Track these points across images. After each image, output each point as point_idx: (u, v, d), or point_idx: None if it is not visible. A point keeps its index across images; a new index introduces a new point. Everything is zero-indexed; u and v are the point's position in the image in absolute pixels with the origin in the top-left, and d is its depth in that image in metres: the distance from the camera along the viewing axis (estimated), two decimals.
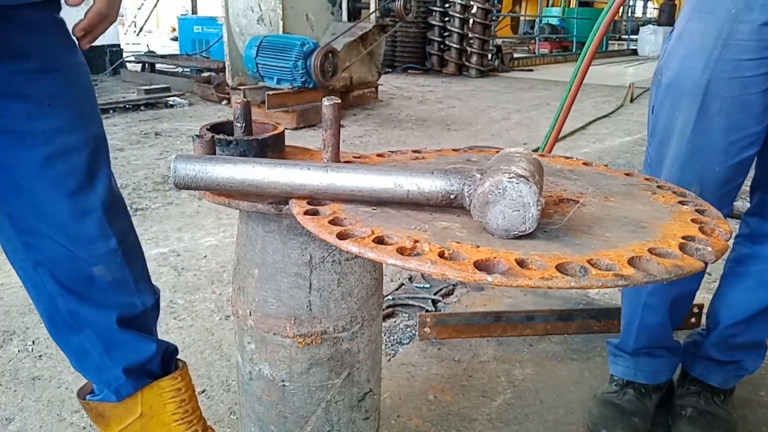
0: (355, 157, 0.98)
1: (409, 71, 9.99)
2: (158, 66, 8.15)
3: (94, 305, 1.08)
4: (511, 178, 0.64)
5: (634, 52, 15.23)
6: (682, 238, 0.67)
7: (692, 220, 0.73)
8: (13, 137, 0.94)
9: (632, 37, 16.93)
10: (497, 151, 0.79)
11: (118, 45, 8.16)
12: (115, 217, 1.05)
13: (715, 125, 1.25)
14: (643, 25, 17.94)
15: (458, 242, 0.64)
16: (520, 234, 0.66)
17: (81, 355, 1.15)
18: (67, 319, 1.10)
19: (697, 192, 1.21)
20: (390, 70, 9.81)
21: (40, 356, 1.82)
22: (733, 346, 1.51)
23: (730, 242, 0.82)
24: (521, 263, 0.60)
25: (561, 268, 0.58)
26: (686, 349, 1.63)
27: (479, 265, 0.59)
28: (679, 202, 0.81)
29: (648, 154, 1.43)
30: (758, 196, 1.42)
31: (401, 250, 0.62)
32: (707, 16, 1.24)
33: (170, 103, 6.11)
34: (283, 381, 0.98)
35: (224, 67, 6.24)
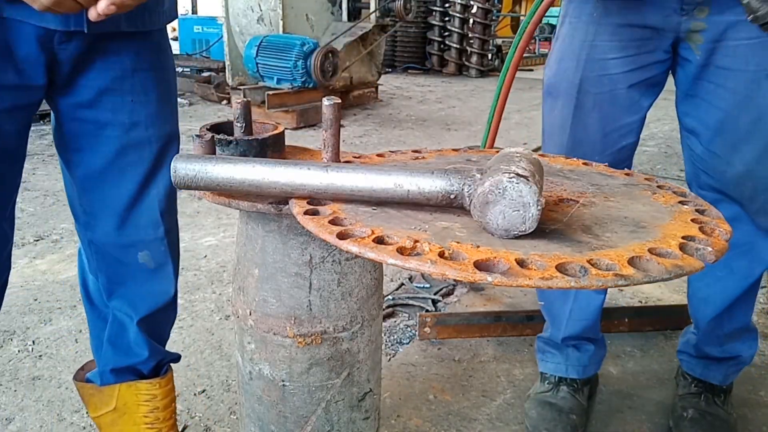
0: (355, 157, 0.98)
1: (409, 71, 9.99)
2: None
3: (129, 292, 1.17)
4: (511, 178, 0.64)
5: None
6: (682, 238, 0.67)
7: (692, 220, 0.73)
8: (98, 126, 1.05)
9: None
10: (497, 151, 0.79)
11: None
12: (167, 209, 1.15)
13: (591, 119, 1.35)
14: None
15: (458, 242, 0.64)
16: (520, 234, 0.66)
17: (94, 330, 1.27)
18: (100, 297, 1.21)
19: None
20: (390, 70, 9.82)
21: (40, 356, 1.82)
22: (724, 337, 1.52)
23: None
24: (521, 263, 0.60)
25: (561, 268, 0.58)
26: (683, 350, 1.63)
27: (479, 265, 0.59)
28: (680, 202, 0.81)
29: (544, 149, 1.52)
30: (694, 189, 1.46)
31: (401, 250, 0.62)
32: (574, 20, 1.35)
33: None
34: (283, 381, 0.97)
35: (224, 67, 6.25)
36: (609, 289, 1.93)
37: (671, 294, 2.30)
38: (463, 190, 0.70)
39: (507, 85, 2.00)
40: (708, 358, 1.56)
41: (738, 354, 1.54)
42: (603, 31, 1.30)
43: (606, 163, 1.22)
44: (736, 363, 1.55)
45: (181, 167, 0.77)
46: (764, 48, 1.20)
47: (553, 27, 16.24)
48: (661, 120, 5.63)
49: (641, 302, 2.24)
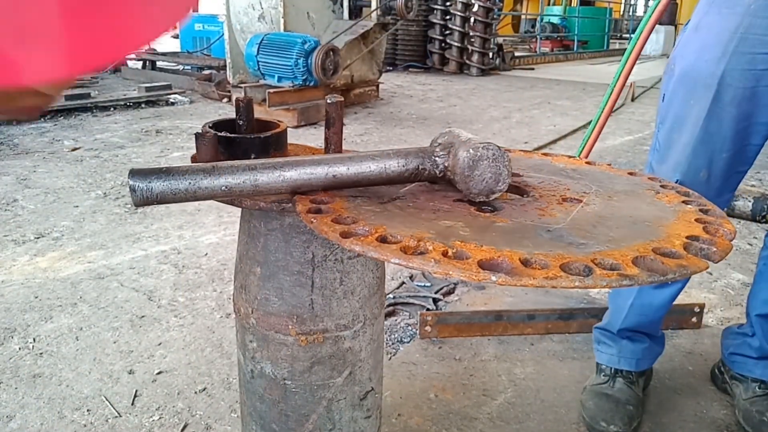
0: None
1: (410, 69, 9.98)
2: (159, 64, 8.15)
3: None
4: (485, 146, 0.76)
5: None
6: (686, 237, 0.67)
7: (696, 220, 0.73)
8: None
9: (633, 36, 16.89)
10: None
11: None
12: None
13: (727, 114, 1.30)
14: None
15: (462, 241, 0.64)
16: (498, 193, 0.77)
17: None
18: None
19: (704, 177, 1.31)
20: (391, 68, 9.80)
21: (41, 354, 1.82)
22: None
23: (735, 242, 0.82)
24: (525, 262, 0.59)
25: (565, 268, 0.58)
26: (737, 352, 1.64)
27: (483, 264, 0.59)
28: (683, 202, 0.81)
29: (656, 140, 1.47)
30: None
31: (404, 249, 0.62)
32: (726, 10, 1.29)
33: (171, 100, 6.10)
34: (284, 379, 0.97)
35: (225, 65, 6.24)
36: (611, 289, 1.93)
37: None
38: (435, 162, 0.81)
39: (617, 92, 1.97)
40: (766, 358, 1.57)
41: None
42: (758, 24, 1.24)
43: (729, 164, 1.29)
44: None
45: (140, 186, 0.73)
46: None
47: (554, 26, 16.22)
48: None
49: None
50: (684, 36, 1.40)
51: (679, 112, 1.38)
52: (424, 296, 2.20)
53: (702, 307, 2.00)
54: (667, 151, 1.42)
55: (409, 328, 2.02)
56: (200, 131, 0.87)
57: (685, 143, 1.36)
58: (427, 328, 1.93)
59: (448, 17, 9.73)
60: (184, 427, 1.53)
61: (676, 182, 1.23)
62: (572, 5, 17.40)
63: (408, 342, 1.93)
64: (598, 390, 1.61)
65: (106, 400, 1.62)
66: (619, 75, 1.99)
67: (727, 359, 1.67)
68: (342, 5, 6.06)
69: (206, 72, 7.25)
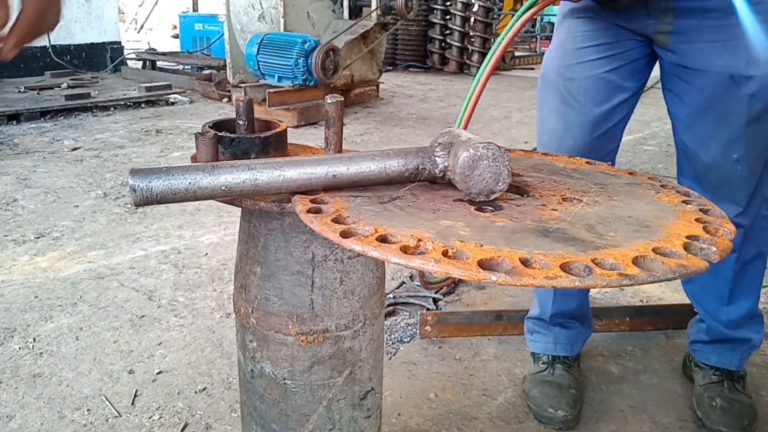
0: None
1: (411, 69, 9.98)
2: (159, 63, 8.14)
3: None
4: (485, 146, 0.76)
5: None
6: (687, 237, 0.67)
7: (696, 220, 0.73)
8: None
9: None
10: None
11: (119, 42, 8.15)
12: None
13: (577, 102, 1.49)
14: None
15: (462, 241, 0.64)
16: (498, 193, 0.77)
17: None
18: None
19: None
20: (391, 68, 9.80)
21: (41, 353, 1.82)
22: (729, 323, 1.60)
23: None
24: (525, 262, 0.59)
25: (565, 268, 0.58)
26: (696, 339, 1.69)
27: (483, 264, 0.59)
28: (683, 202, 0.81)
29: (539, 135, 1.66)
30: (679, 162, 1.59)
31: (404, 249, 0.62)
32: (562, 17, 1.53)
33: (171, 100, 6.11)
34: (284, 379, 0.97)
35: (225, 65, 6.24)
36: (610, 288, 1.94)
37: (672, 293, 2.30)
38: (435, 162, 0.81)
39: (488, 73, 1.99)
40: (722, 341, 1.62)
41: (749, 337, 1.61)
42: (582, 23, 1.46)
43: (594, 146, 1.40)
44: (749, 347, 1.63)
45: (140, 185, 0.73)
46: (726, 50, 1.28)
47: (554, 25, 16.21)
48: (662, 119, 5.62)
49: (642, 301, 2.24)
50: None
51: (542, 108, 1.60)
52: (424, 296, 2.20)
53: None
54: (540, 140, 1.62)
55: (409, 327, 2.02)
56: (200, 131, 0.87)
57: (550, 133, 1.57)
58: (427, 327, 1.93)
59: (448, 17, 9.73)
60: (185, 426, 1.53)
61: None
62: None
63: (408, 342, 1.93)
64: (539, 378, 1.67)
65: (106, 399, 1.62)
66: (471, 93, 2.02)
67: (690, 348, 1.74)
68: (342, 5, 6.06)
69: (206, 72, 7.25)
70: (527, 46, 15.51)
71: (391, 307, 2.13)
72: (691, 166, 1.47)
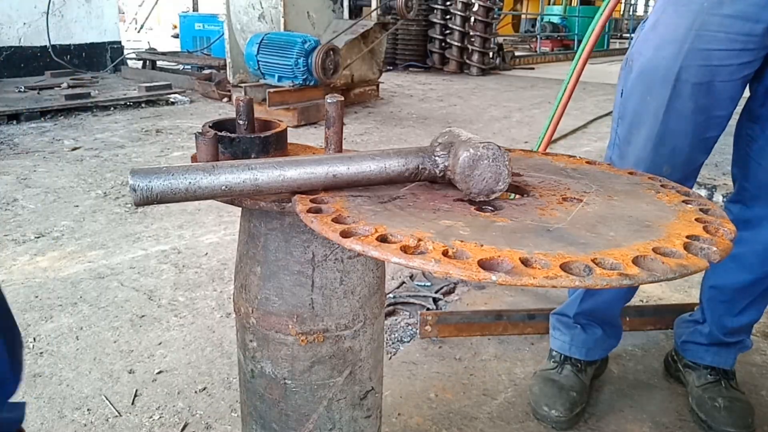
0: None
1: (411, 69, 9.97)
2: (159, 63, 8.14)
3: None
4: (485, 146, 0.76)
5: None
6: (687, 237, 0.67)
7: (696, 219, 0.73)
8: None
9: (633, 35, 16.91)
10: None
11: (119, 42, 8.15)
12: None
13: (686, 109, 1.33)
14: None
15: (462, 241, 0.64)
16: (499, 192, 0.77)
17: None
18: None
19: (667, 173, 1.34)
20: (391, 68, 9.80)
21: (41, 353, 1.82)
22: (731, 329, 1.60)
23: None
24: (525, 262, 0.59)
25: (565, 267, 0.58)
26: (690, 340, 1.69)
27: (483, 264, 0.59)
28: (683, 201, 0.81)
29: (616, 135, 1.50)
30: (738, 184, 1.50)
31: (405, 249, 0.62)
32: (682, 8, 1.32)
33: (171, 100, 6.10)
34: (285, 379, 0.97)
35: (225, 65, 6.24)
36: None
37: (672, 293, 2.30)
38: (436, 162, 0.81)
39: (572, 86, 2.03)
40: (720, 344, 1.62)
41: (743, 339, 1.63)
42: (711, 21, 1.27)
43: (690, 157, 1.38)
44: (742, 347, 1.64)
45: (141, 185, 0.73)
46: None
47: (554, 25, 16.21)
48: None
49: (642, 301, 2.24)
50: (642, 34, 1.42)
51: (638, 108, 1.41)
52: (425, 296, 2.20)
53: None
54: (627, 146, 1.44)
55: (410, 327, 2.02)
56: (200, 131, 0.87)
57: (645, 139, 1.39)
58: (428, 327, 1.93)
59: (448, 17, 9.72)
60: (185, 426, 1.53)
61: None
62: (572, 5, 17.38)
63: (408, 341, 1.93)
64: (545, 375, 1.67)
65: (106, 399, 1.62)
66: (572, 74, 2.05)
67: (679, 347, 1.72)
68: (342, 5, 6.05)
69: (206, 71, 7.25)
70: (527, 46, 15.51)
71: (391, 307, 2.13)
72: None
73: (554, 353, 1.71)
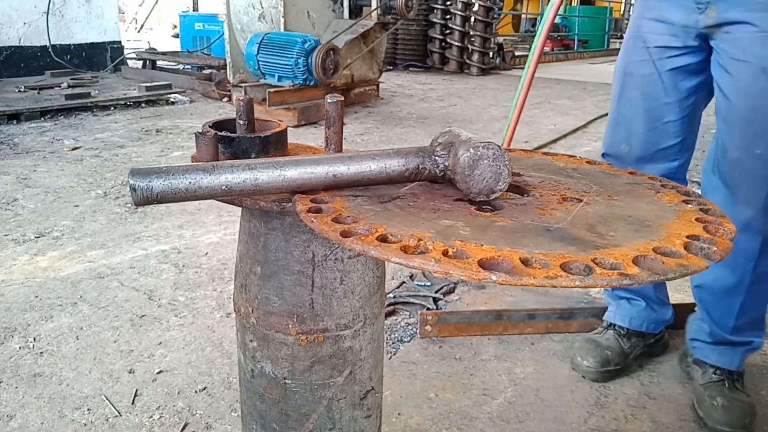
0: None
1: (411, 69, 9.97)
2: (159, 63, 8.14)
3: None
4: (486, 146, 0.76)
5: None
6: (687, 237, 0.67)
7: (696, 219, 0.73)
8: None
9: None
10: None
11: (119, 42, 8.15)
12: None
13: (634, 97, 1.62)
14: None
15: (462, 240, 0.64)
16: (499, 192, 0.77)
17: None
18: None
19: (625, 150, 1.66)
20: (391, 67, 9.80)
21: (41, 353, 1.82)
22: (733, 328, 1.61)
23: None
24: (525, 262, 0.59)
25: (565, 267, 0.58)
26: (696, 338, 1.71)
27: (483, 264, 0.59)
28: (683, 201, 0.81)
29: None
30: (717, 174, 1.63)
31: (405, 249, 0.62)
32: (632, 16, 1.65)
33: (171, 100, 6.10)
34: (285, 379, 0.97)
35: (225, 65, 6.24)
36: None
37: (672, 293, 2.29)
38: (436, 162, 0.81)
39: (527, 85, 2.27)
40: (725, 343, 1.64)
41: (750, 340, 1.64)
42: (642, 25, 1.59)
43: (647, 139, 1.59)
44: (750, 348, 1.65)
45: (141, 185, 0.73)
46: (763, 42, 1.33)
47: (554, 25, 16.19)
48: None
49: None
50: None
51: (612, 100, 1.72)
52: (425, 296, 2.20)
53: None
54: (608, 129, 1.75)
55: (410, 327, 2.02)
56: (200, 130, 0.87)
57: (609, 120, 1.72)
58: (428, 327, 1.93)
59: (448, 16, 9.72)
60: (185, 426, 1.53)
61: (603, 155, 1.72)
62: (572, 5, 17.39)
63: (408, 341, 1.93)
64: (590, 337, 1.87)
65: (107, 399, 1.62)
66: (527, 71, 2.31)
67: (689, 344, 1.75)
68: (342, 5, 6.05)
69: (206, 71, 7.24)
70: (527, 46, 15.50)
71: (391, 307, 2.13)
72: (720, 159, 1.52)
73: (605, 322, 1.89)
